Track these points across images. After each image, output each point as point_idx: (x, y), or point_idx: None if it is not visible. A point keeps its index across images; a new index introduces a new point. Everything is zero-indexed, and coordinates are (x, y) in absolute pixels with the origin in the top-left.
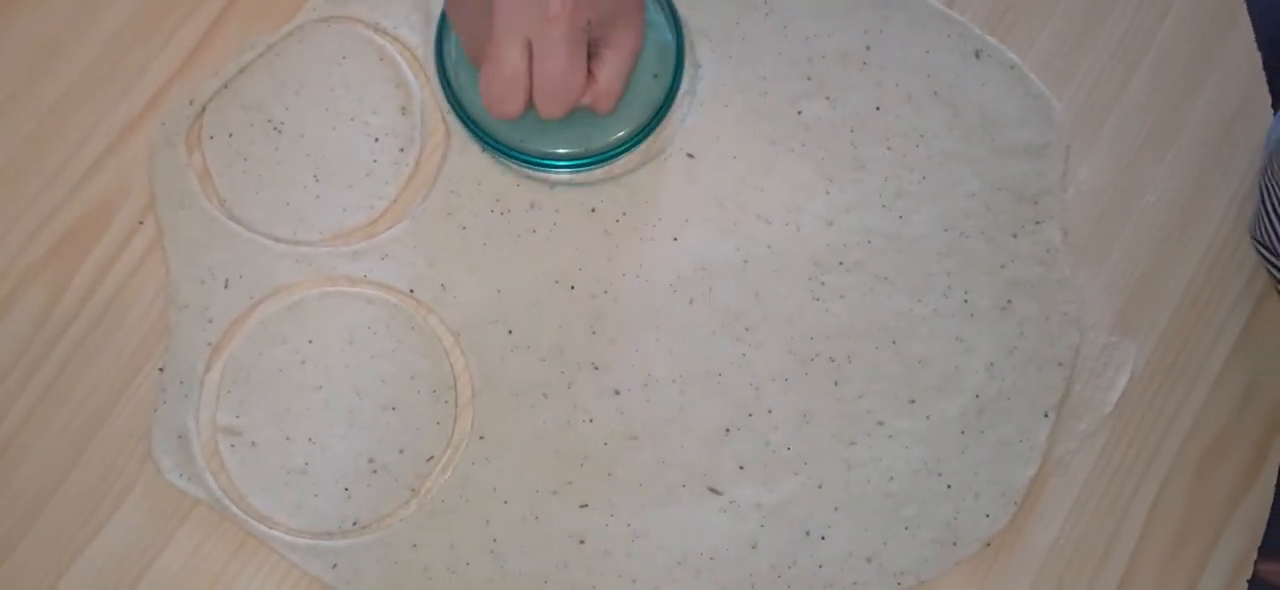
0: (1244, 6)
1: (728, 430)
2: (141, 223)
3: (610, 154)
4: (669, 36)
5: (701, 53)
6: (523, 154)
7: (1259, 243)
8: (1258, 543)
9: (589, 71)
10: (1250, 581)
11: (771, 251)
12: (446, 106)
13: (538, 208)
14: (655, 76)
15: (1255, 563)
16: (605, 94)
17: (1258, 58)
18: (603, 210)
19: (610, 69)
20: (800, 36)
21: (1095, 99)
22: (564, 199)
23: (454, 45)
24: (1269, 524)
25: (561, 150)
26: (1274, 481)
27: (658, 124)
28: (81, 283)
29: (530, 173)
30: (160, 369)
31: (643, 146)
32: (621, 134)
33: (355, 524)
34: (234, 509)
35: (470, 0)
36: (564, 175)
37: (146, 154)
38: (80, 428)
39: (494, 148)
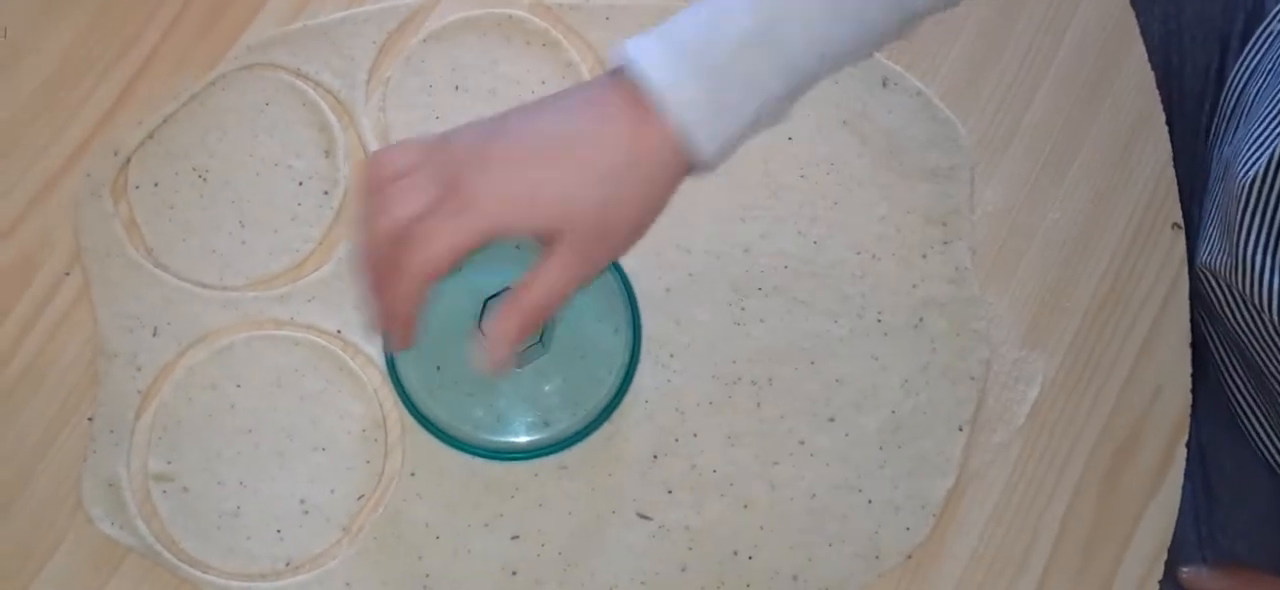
0: (1136, 29)
1: (655, 456)
2: (67, 274)
3: (568, 440)
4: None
5: None
6: (483, 449)
7: (1208, 270)
8: (1167, 541)
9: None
10: (1161, 581)
11: (692, 279)
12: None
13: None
14: (615, 330)
15: (1178, 571)
16: (537, 307)
17: (1151, 76)
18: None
19: (552, 279)
20: None
21: (999, 122)
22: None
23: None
24: (1177, 527)
25: (522, 438)
26: (1180, 483)
27: (607, 417)
28: (7, 335)
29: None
30: (90, 419)
31: None
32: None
33: (288, 565)
34: (167, 555)
35: None
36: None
37: (71, 205)
38: (8, 481)
39: (452, 443)
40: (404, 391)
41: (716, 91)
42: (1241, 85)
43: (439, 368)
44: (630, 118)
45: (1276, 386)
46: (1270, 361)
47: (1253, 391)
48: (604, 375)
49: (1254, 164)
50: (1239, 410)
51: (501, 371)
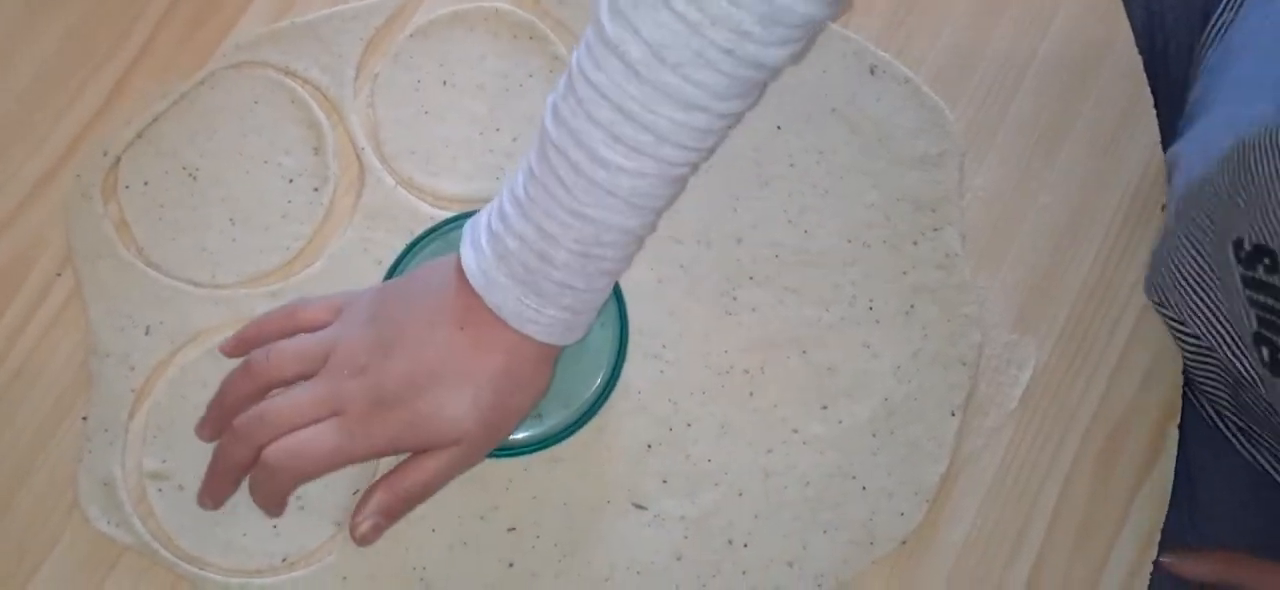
0: (1124, 14)
1: (649, 446)
2: (59, 275)
3: (559, 435)
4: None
5: None
6: None
7: (1156, 302)
8: (1160, 524)
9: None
10: (1155, 562)
11: (684, 271)
12: None
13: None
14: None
15: (1160, 556)
16: (406, 495)
17: (1139, 61)
18: None
19: (428, 472)
20: None
21: (987, 108)
22: None
23: None
24: (1168, 510)
25: (517, 435)
26: (1172, 466)
27: (591, 416)
28: (0, 337)
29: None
30: (84, 418)
31: None
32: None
33: (284, 561)
34: (163, 552)
35: None
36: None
37: (62, 206)
38: (4, 481)
39: None
40: None
41: (572, 306)
42: (1198, 80)
43: None
44: (502, 339)
45: (1209, 390)
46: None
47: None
48: (594, 369)
49: (1192, 171)
50: (1204, 402)
51: (366, 543)
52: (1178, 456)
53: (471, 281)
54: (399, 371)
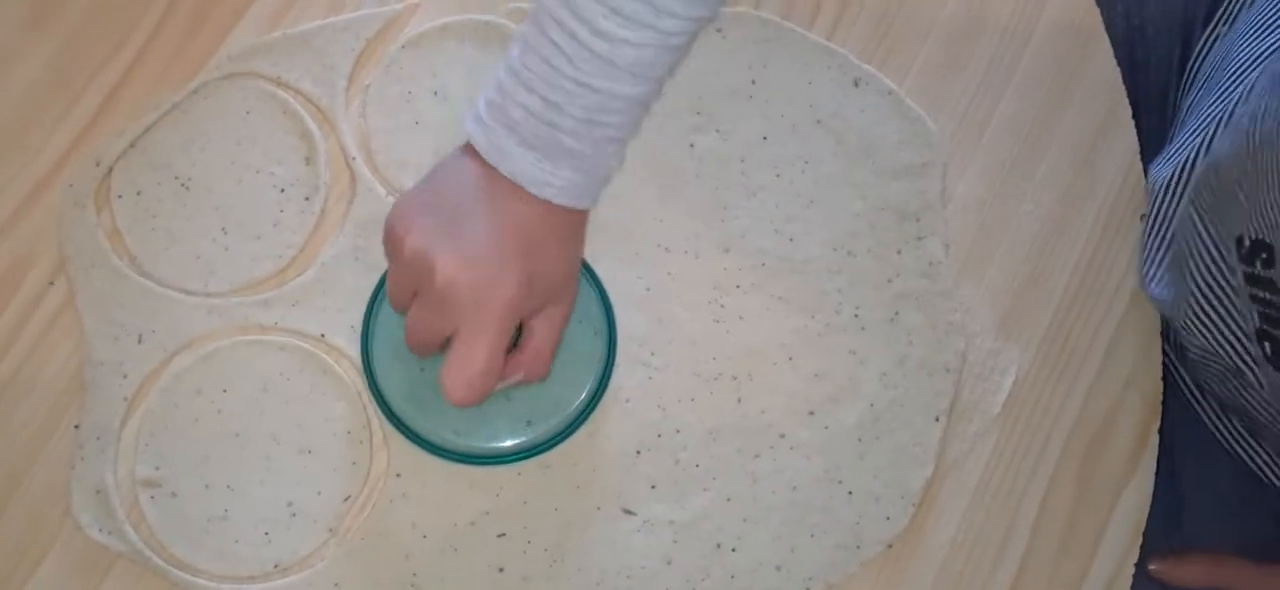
0: (1101, 26)
1: (638, 451)
2: (52, 283)
3: (549, 442)
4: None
5: None
6: (467, 455)
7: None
8: (1143, 526)
9: (518, 347)
10: (1137, 565)
11: (672, 278)
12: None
13: None
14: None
15: (1149, 564)
16: (536, 362)
17: (1118, 73)
18: None
19: (540, 340)
20: (689, 74)
21: (969, 119)
22: None
23: (382, 347)
24: (1150, 518)
25: (507, 443)
26: (1154, 469)
27: (586, 417)
28: None
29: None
30: (76, 426)
31: None
32: (557, 421)
33: (277, 567)
34: (156, 560)
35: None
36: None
37: (55, 216)
38: None
39: (433, 450)
40: (383, 401)
41: (586, 170)
42: (1185, 99)
43: (423, 369)
44: (543, 206)
45: (1214, 390)
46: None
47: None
48: (583, 376)
49: (1163, 168)
50: (1192, 399)
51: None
52: (1162, 459)
53: (485, 155)
54: (494, 259)
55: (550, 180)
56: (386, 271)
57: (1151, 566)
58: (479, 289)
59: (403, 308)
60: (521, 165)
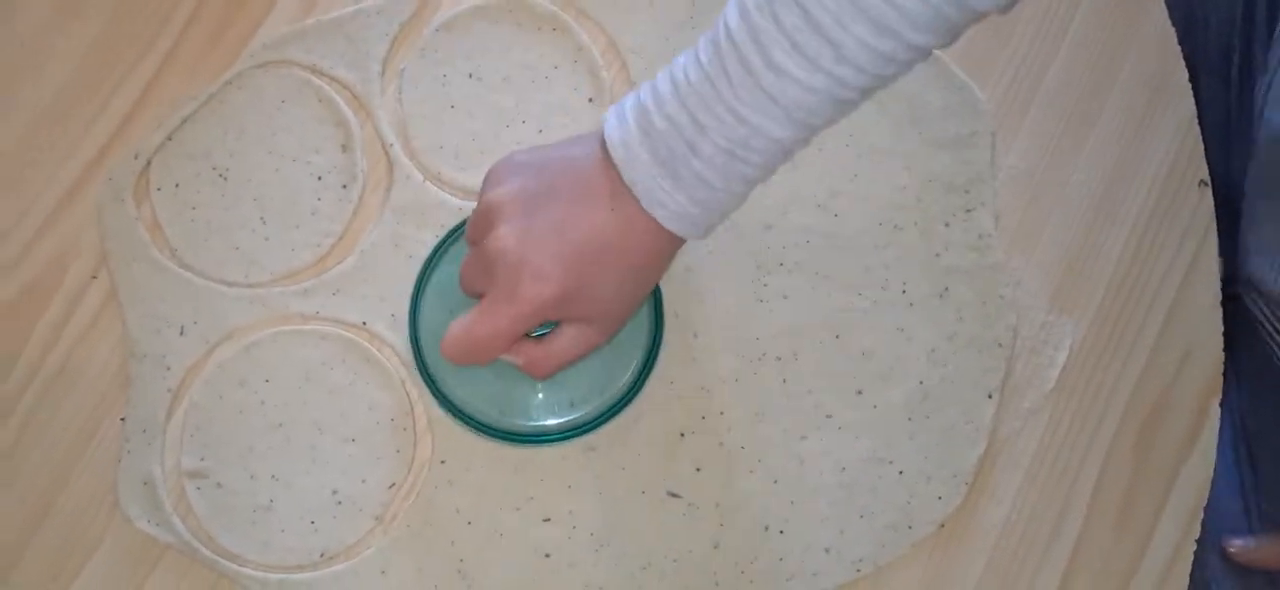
0: None
1: (682, 434)
2: (94, 278)
3: (595, 421)
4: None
5: (636, 70)
6: (511, 433)
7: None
8: (1203, 503)
9: (542, 338)
10: (1202, 542)
11: (713, 257)
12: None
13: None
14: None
15: (1227, 545)
16: (543, 361)
17: (1172, 33)
18: None
19: (558, 348)
20: None
21: (1018, 86)
22: None
23: (428, 327)
24: (1222, 499)
25: (551, 421)
26: (1214, 444)
27: (629, 401)
28: (39, 341)
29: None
30: (122, 419)
31: None
32: (594, 405)
33: (323, 556)
34: (204, 551)
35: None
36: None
37: (95, 211)
38: (47, 483)
39: (477, 427)
40: (430, 379)
41: (705, 203)
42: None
43: None
44: (642, 227)
45: None
46: None
47: None
48: (630, 355)
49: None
50: None
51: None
52: (1240, 438)
53: (611, 152)
54: (551, 240)
55: (666, 202)
56: (429, 256)
57: (1231, 549)
58: (520, 272)
59: (478, 236)
60: (644, 176)
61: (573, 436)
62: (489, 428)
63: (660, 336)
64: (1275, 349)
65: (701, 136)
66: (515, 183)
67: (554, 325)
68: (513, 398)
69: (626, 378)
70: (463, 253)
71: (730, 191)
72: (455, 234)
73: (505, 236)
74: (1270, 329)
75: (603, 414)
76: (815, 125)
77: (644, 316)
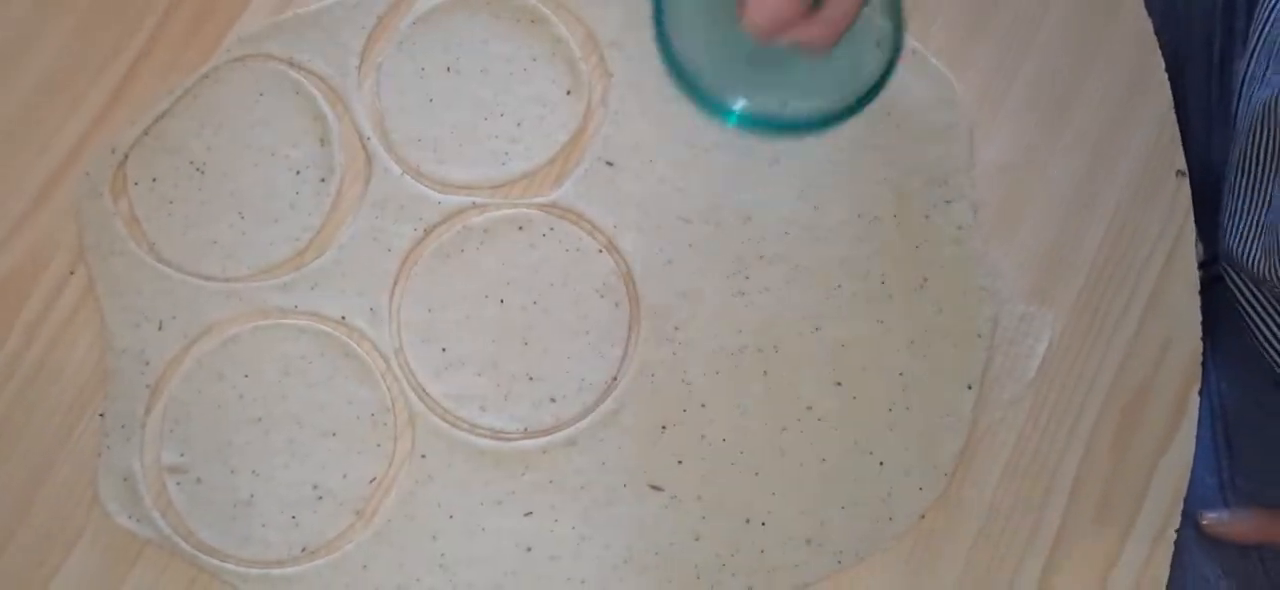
0: None
1: (664, 427)
2: (72, 273)
3: (836, 116)
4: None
5: (614, 63)
6: (716, 102)
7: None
8: (1183, 491)
9: (816, 9)
10: (1179, 530)
11: (694, 250)
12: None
13: (466, 228)
14: (877, 44)
15: (1201, 518)
16: (830, 24)
17: (1149, 24)
18: (529, 227)
19: (838, 6)
20: None
21: (995, 78)
22: (491, 218)
23: (676, 22)
24: (1197, 475)
25: (743, 104)
26: (1194, 432)
27: (862, 106)
28: (17, 336)
29: (709, 118)
30: (101, 414)
31: (561, 158)
32: (822, 103)
33: (304, 550)
34: (184, 546)
35: None
36: (740, 129)
37: (72, 206)
38: (26, 478)
39: (695, 93)
40: (679, 67)
41: None
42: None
43: (716, 38)
44: None
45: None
46: None
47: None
48: (867, 64)
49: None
50: (1260, 341)
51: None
52: (1215, 416)
53: None
54: None
55: None
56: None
57: (1204, 521)
58: None
59: None
60: None
61: (820, 128)
62: (734, 113)
63: (900, 49)
64: (1250, 323)
65: None
66: None
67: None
68: (758, 85)
69: (872, 73)
70: None
71: None
72: None
73: None
74: (1245, 303)
75: (841, 111)
76: None
77: (886, 33)
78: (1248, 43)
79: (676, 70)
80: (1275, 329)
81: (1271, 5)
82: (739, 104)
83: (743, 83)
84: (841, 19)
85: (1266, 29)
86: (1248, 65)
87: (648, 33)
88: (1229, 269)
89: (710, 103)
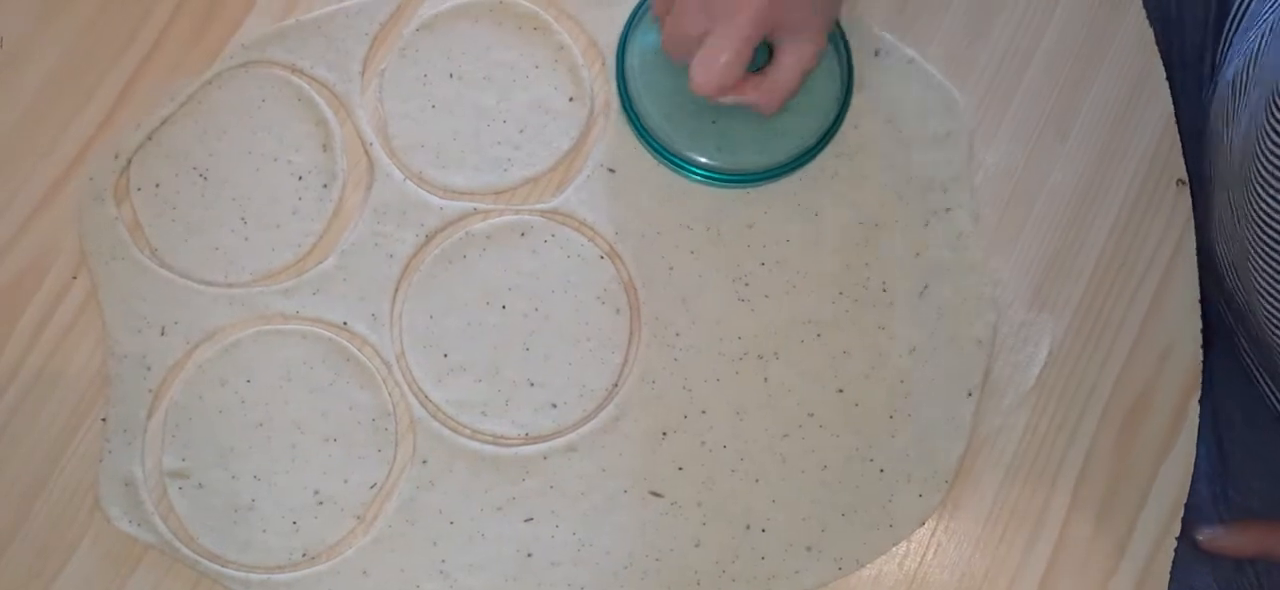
0: None
1: (664, 433)
2: (74, 278)
3: (769, 173)
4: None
5: (615, 68)
6: (677, 158)
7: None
8: (1183, 499)
9: (763, 69)
10: (1181, 536)
11: (695, 257)
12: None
13: (469, 234)
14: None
15: (1197, 534)
16: (774, 91)
17: (1150, 33)
18: (531, 234)
19: (784, 69)
20: None
21: (997, 85)
22: (493, 225)
23: (636, 48)
24: (1190, 489)
25: (704, 160)
26: (1194, 440)
27: (822, 146)
28: (19, 341)
29: (677, 174)
30: (103, 419)
31: (563, 165)
32: (787, 152)
33: (305, 555)
34: (185, 551)
35: None
36: (700, 180)
37: (75, 210)
38: (28, 483)
39: (655, 149)
40: (637, 120)
41: None
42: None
43: (672, 91)
44: None
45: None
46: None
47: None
48: (813, 121)
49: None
50: (1249, 365)
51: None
52: (1209, 427)
53: None
54: None
55: None
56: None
57: (1200, 537)
58: None
59: (664, 11)
60: None
61: (763, 180)
62: (687, 165)
63: (848, 103)
64: (1235, 334)
65: None
66: None
67: (765, 61)
68: (709, 135)
69: (813, 130)
70: (649, 30)
71: None
72: (630, 25)
73: None
74: (1232, 326)
75: (791, 160)
76: None
77: (833, 83)
78: (1227, 62)
79: (639, 130)
80: (1247, 340)
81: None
82: (701, 160)
83: (705, 138)
84: (785, 85)
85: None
86: (1216, 86)
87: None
88: (1210, 280)
89: (672, 160)
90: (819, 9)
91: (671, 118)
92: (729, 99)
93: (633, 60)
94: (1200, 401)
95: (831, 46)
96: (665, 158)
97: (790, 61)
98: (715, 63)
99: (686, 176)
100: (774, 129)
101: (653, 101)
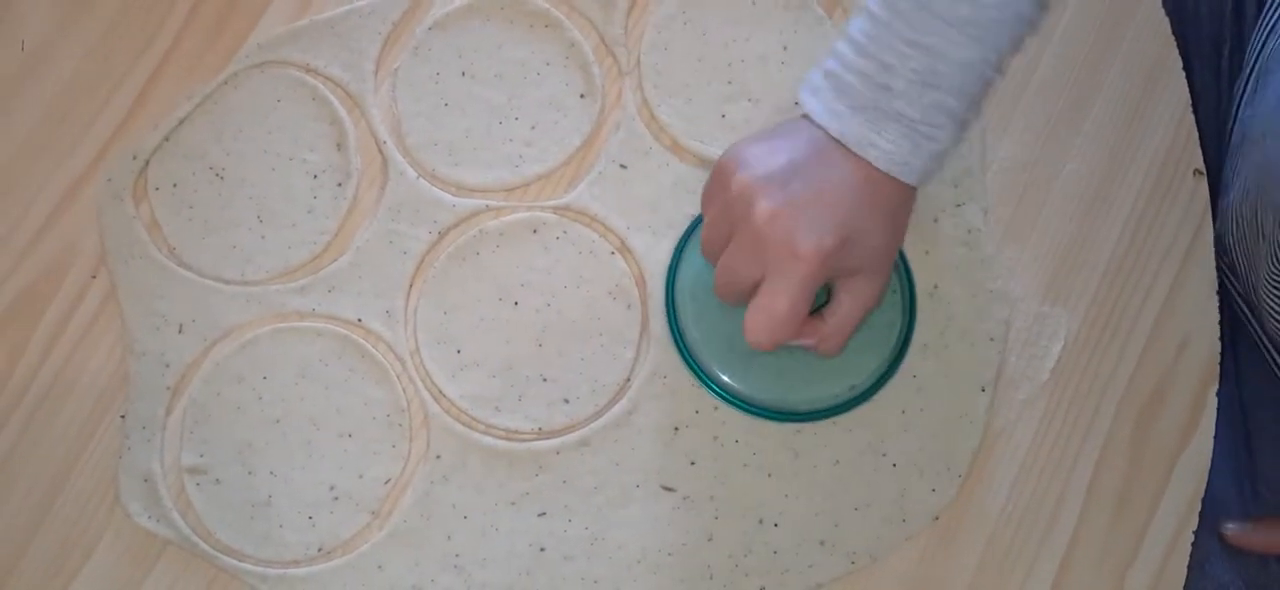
0: None
1: (677, 428)
2: (94, 277)
3: (816, 413)
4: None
5: (625, 64)
6: (734, 398)
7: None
8: (1201, 493)
9: (821, 312)
10: (1197, 533)
11: None
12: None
13: (481, 231)
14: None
15: (1223, 528)
16: (833, 335)
17: (1165, 22)
18: (543, 230)
19: (843, 313)
20: (719, 42)
21: (1011, 77)
22: (505, 221)
23: (687, 272)
24: (1218, 485)
25: (760, 398)
26: (1212, 433)
27: (867, 397)
28: (40, 339)
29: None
30: (122, 416)
31: (575, 161)
32: (838, 390)
33: (321, 551)
34: (203, 546)
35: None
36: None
37: (94, 210)
38: (49, 480)
39: (704, 383)
40: (686, 351)
41: (913, 141)
42: (1262, 41)
43: (725, 320)
44: (851, 162)
45: None
46: None
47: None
48: (885, 331)
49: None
50: (1270, 360)
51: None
52: (1239, 423)
53: (816, 118)
54: (803, 196)
55: (876, 141)
56: (692, 224)
57: (1227, 532)
58: (794, 234)
59: (715, 253)
60: (850, 126)
61: (821, 418)
62: (742, 402)
63: (910, 337)
64: (1245, 322)
65: (891, 76)
66: (753, 166)
67: (824, 305)
68: (765, 370)
69: (878, 363)
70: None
71: (934, 123)
72: (681, 250)
73: (769, 208)
74: (1247, 317)
75: (838, 405)
76: (1001, 48)
77: (896, 315)
78: (1247, 59)
79: (688, 362)
80: (1268, 342)
81: (1269, 26)
82: (758, 399)
83: (763, 374)
84: (845, 329)
85: (1260, 55)
86: (1245, 83)
87: (659, 33)
88: (1223, 267)
89: (702, 377)
90: (880, 250)
91: (714, 336)
92: (794, 342)
93: (683, 286)
94: (1227, 396)
95: (893, 275)
96: (720, 396)
97: (850, 303)
98: (771, 315)
99: (744, 413)
100: (832, 365)
101: (701, 333)
